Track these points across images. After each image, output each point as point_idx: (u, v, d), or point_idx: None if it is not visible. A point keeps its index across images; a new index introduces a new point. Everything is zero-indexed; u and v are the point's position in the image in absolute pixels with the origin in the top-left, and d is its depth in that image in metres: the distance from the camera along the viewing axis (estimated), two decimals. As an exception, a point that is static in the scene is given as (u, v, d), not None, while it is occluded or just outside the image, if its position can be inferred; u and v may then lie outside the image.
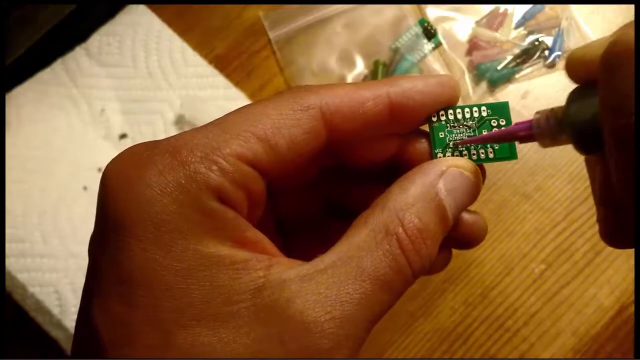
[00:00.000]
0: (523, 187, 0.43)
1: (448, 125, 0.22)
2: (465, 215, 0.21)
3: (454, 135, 0.22)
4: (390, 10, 0.48)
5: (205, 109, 0.44)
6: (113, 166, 0.18)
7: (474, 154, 0.22)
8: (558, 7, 0.47)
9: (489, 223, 0.42)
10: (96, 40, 0.46)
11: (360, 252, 0.18)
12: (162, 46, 0.46)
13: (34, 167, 0.42)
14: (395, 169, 0.22)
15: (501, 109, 0.22)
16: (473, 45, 0.47)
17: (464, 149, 0.22)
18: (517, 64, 0.46)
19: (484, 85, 0.46)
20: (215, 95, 0.45)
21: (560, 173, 0.43)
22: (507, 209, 0.43)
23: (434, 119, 0.22)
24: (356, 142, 0.21)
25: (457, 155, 0.22)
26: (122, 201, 0.17)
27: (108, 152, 0.43)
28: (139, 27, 0.47)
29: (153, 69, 0.46)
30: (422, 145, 0.22)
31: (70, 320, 0.38)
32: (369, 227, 0.19)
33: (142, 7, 0.47)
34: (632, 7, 0.48)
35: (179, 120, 0.44)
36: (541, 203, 0.43)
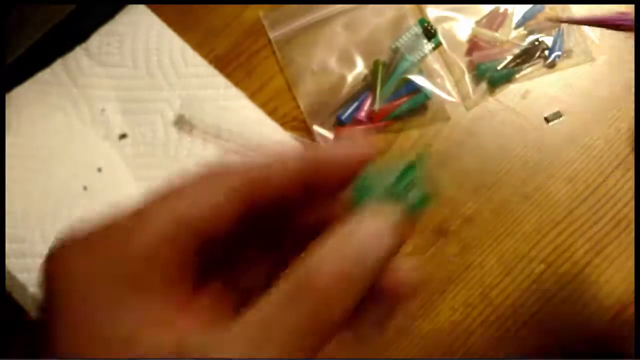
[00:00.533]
0: (523, 188, 0.43)
1: (367, 184, 0.23)
2: (399, 272, 0.22)
3: (373, 191, 0.22)
4: (390, 10, 0.48)
5: (205, 109, 0.44)
6: (51, 256, 0.21)
7: (395, 206, 0.22)
8: (558, 8, 0.47)
9: (489, 223, 0.42)
10: (96, 40, 0.46)
11: (270, 312, 0.19)
12: (162, 46, 0.46)
13: (34, 167, 0.42)
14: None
15: (417, 162, 0.23)
16: (473, 45, 0.47)
17: (384, 202, 0.22)
18: (517, 64, 0.46)
19: (484, 85, 0.46)
20: (215, 96, 0.45)
21: (560, 173, 0.43)
22: (507, 209, 0.43)
23: (354, 181, 0.22)
24: (284, 213, 0.23)
25: (378, 209, 0.21)
26: (57, 285, 0.20)
27: (108, 152, 0.43)
28: (139, 27, 0.46)
29: (153, 69, 0.46)
30: (346, 203, 0.22)
31: None
32: (283, 287, 0.19)
33: (142, 7, 0.47)
34: (631, 7, 0.48)
35: (179, 120, 0.44)
36: (541, 203, 0.43)
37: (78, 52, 0.46)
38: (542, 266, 0.41)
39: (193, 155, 0.44)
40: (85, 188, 0.41)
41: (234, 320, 0.19)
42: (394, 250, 0.21)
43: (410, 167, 0.23)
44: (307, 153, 0.22)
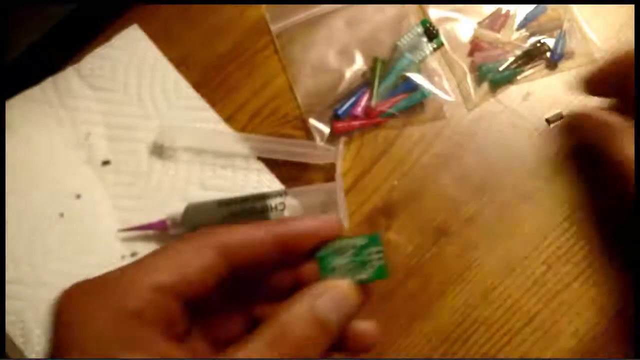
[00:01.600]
0: (524, 189, 0.43)
1: (332, 254, 0.28)
2: (359, 325, 0.27)
3: (337, 261, 0.28)
4: (392, 8, 0.48)
5: (188, 138, 0.44)
6: (59, 301, 0.24)
7: (353, 277, 0.28)
8: (560, 9, 0.47)
9: (490, 224, 0.42)
10: (89, 62, 0.45)
11: (261, 351, 0.23)
12: (156, 75, 0.46)
13: (12, 187, 0.41)
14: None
15: (374, 239, 0.29)
16: (475, 47, 0.47)
17: (345, 272, 0.28)
18: (519, 65, 0.46)
19: (485, 86, 0.46)
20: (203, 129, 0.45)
21: (562, 174, 0.43)
22: (508, 210, 0.43)
23: (322, 250, 0.28)
24: (260, 272, 0.28)
25: (339, 278, 0.28)
26: (64, 330, 0.23)
27: (89, 178, 0.42)
28: (134, 54, 0.46)
29: (144, 98, 0.45)
30: (314, 270, 0.28)
31: (33, 352, 0.37)
32: (261, 337, 0.24)
33: (139, 33, 0.46)
34: (633, 7, 0.48)
35: (157, 148, 0.44)
36: (542, 204, 0.43)
37: (69, 72, 0.45)
38: (543, 267, 0.41)
39: (175, 189, 0.43)
40: (61, 215, 0.41)
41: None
42: (355, 309, 0.27)
43: (365, 245, 0.28)
44: (281, 225, 0.27)
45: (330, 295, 0.26)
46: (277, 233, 0.27)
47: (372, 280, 0.28)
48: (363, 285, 0.28)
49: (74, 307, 0.24)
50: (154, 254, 0.25)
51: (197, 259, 0.25)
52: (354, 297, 0.27)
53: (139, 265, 0.25)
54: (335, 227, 0.28)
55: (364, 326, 0.27)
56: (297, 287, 0.27)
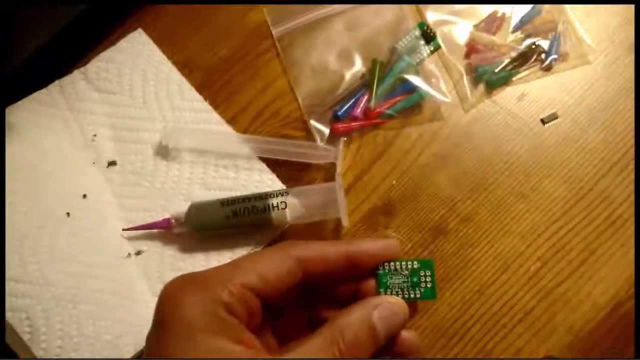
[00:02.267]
0: (519, 188, 0.44)
1: (389, 273, 0.34)
2: (404, 334, 0.32)
3: (393, 280, 0.34)
4: (390, 11, 0.49)
5: (192, 139, 0.45)
6: (166, 289, 0.29)
7: (405, 294, 0.33)
8: (555, 11, 0.48)
9: (487, 222, 0.43)
10: (95, 66, 0.46)
11: (312, 352, 0.28)
12: (160, 78, 0.46)
13: (18, 188, 0.41)
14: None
15: (427, 264, 0.34)
16: (471, 49, 0.48)
17: (398, 290, 0.33)
18: (514, 67, 0.47)
19: (481, 87, 0.46)
20: (206, 131, 0.46)
21: (556, 173, 0.44)
22: (504, 208, 0.44)
23: (380, 268, 0.34)
24: (327, 282, 0.32)
25: (393, 294, 0.33)
26: (169, 313, 0.28)
27: (95, 179, 0.43)
28: (139, 57, 0.47)
29: (149, 100, 0.46)
30: (372, 285, 0.33)
31: (38, 349, 0.37)
32: (322, 336, 0.28)
33: (144, 37, 0.47)
34: (628, 7, 0.48)
35: (167, 149, 0.45)
36: (537, 203, 0.44)
37: (76, 75, 0.46)
38: (538, 264, 0.42)
39: (179, 188, 0.44)
40: (68, 214, 0.41)
41: (287, 352, 0.28)
42: (404, 323, 0.31)
43: (418, 269, 0.33)
44: (351, 245, 0.32)
45: (385, 307, 0.31)
46: (348, 251, 0.32)
47: (421, 299, 0.33)
48: (410, 303, 0.33)
49: (176, 293, 0.28)
50: (245, 258, 0.31)
51: (279, 267, 0.30)
52: (404, 312, 0.32)
53: (232, 265, 0.30)
54: (395, 251, 0.34)
55: (408, 336, 0.32)
56: (356, 297, 0.32)
